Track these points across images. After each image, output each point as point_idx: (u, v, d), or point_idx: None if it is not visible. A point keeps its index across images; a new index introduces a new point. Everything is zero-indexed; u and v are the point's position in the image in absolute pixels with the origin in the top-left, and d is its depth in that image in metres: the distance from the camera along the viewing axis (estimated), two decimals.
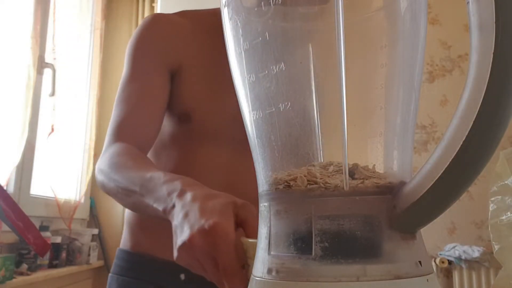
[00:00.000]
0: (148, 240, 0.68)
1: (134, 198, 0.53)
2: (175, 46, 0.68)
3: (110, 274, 0.72)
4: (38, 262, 1.47)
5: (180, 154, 0.67)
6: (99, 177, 0.61)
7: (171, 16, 0.71)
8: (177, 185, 0.47)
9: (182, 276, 0.65)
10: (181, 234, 0.42)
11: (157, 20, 0.69)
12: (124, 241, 0.72)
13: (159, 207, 0.48)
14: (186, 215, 0.43)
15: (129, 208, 0.61)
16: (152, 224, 0.68)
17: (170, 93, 0.67)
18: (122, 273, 0.69)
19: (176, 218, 0.44)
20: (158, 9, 1.98)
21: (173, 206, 0.46)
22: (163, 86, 0.66)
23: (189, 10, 0.74)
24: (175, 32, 0.68)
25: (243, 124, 0.70)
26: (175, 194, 0.46)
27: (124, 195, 0.55)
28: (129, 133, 0.62)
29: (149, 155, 0.67)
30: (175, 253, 0.43)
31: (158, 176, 0.50)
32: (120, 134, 0.62)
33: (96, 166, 0.64)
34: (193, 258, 0.41)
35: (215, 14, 0.72)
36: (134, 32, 0.69)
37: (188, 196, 0.45)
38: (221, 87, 0.67)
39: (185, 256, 0.42)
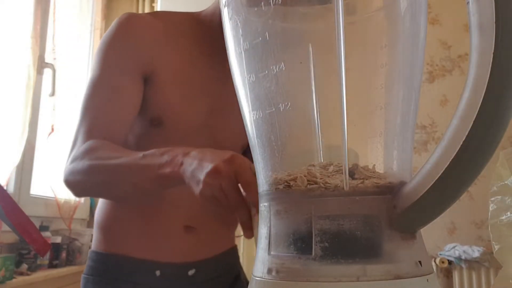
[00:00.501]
0: (120, 240, 0.69)
1: (129, 175, 0.54)
2: (148, 48, 0.66)
3: (83, 275, 0.72)
4: (38, 262, 1.47)
5: None
6: (75, 175, 0.60)
7: (145, 17, 0.69)
8: (177, 150, 0.50)
9: (157, 273, 0.67)
10: (203, 169, 0.46)
11: (131, 20, 0.66)
12: (96, 243, 0.73)
13: (165, 170, 0.50)
14: (201, 159, 0.47)
15: (119, 193, 0.60)
16: (124, 224, 0.70)
17: (146, 93, 0.65)
18: (97, 274, 0.70)
19: (190, 167, 0.47)
20: (158, 9, 1.98)
21: (182, 164, 0.49)
22: (134, 91, 0.64)
23: (163, 11, 0.73)
24: (148, 34, 0.66)
25: (213, 129, 0.71)
26: (179, 156, 0.49)
27: (114, 178, 0.56)
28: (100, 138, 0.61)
29: None
30: (200, 186, 0.46)
31: (151, 152, 0.53)
32: (91, 139, 0.61)
33: (67, 167, 0.62)
34: (218, 185, 0.45)
35: (192, 18, 0.72)
36: (107, 31, 0.67)
37: (194, 152, 0.49)
38: (193, 92, 0.67)
39: (211, 183, 0.45)
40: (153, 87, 0.65)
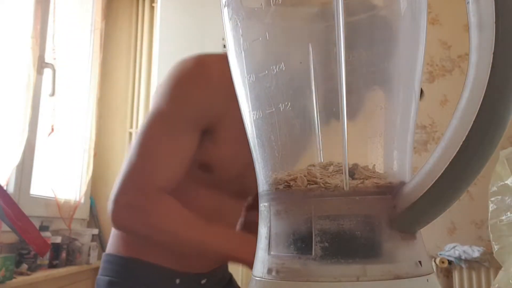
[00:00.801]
0: (144, 247, 0.73)
1: (201, 247, 0.64)
2: (219, 103, 0.64)
3: (101, 277, 0.74)
4: (38, 262, 1.47)
5: (193, 199, 0.72)
6: (137, 226, 0.63)
7: (222, 67, 0.64)
8: (239, 239, 0.65)
9: (177, 281, 0.75)
10: None
11: (209, 67, 0.63)
12: (117, 247, 0.74)
13: (236, 254, 0.64)
14: None
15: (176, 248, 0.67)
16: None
17: (201, 142, 0.68)
18: (118, 276, 0.72)
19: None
20: (158, 10, 1.98)
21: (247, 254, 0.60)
22: (195, 140, 0.65)
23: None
24: (222, 87, 0.63)
25: (246, 179, 0.75)
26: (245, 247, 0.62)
27: (184, 246, 0.65)
28: (163, 185, 0.64)
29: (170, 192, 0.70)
30: None
31: (221, 232, 0.66)
32: (156, 185, 0.63)
33: (123, 201, 0.62)
34: None
35: None
36: (182, 66, 0.64)
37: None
38: (242, 147, 0.69)
39: None
40: (211, 138, 0.66)
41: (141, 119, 2.07)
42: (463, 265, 1.70)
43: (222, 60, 0.66)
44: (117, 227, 0.65)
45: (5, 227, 1.21)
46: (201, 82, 0.62)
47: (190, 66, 0.64)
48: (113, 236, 0.77)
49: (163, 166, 0.63)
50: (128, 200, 0.62)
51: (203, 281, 0.79)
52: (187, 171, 0.66)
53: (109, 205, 0.64)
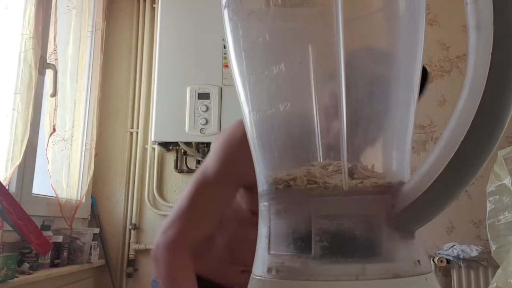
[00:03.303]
0: (207, 267, 0.85)
1: None
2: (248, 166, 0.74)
3: (156, 279, 0.86)
4: (40, 261, 1.47)
5: (238, 230, 0.82)
6: (161, 265, 0.75)
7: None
8: None
9: None
10: None
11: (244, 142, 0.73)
12: None
13: None
14: None
15: None
16: (211, 258, 0.87)
17: (245, 195, 0.76)
18: None
19: None
20: (159, 11, 1.98)
21: None
22: (233, 199, 0.75)
23: None
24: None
25: None
26: None
27: None
28: (192, 243, 0.75)
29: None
30: None
31: None
32: (185, 243, 0.74)
33: (163, 238, 0.74)
34: None
35: None
36: (235, 128, 0.72)
37: None
38: None
39: None
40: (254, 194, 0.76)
41: (141, 119, 2.07)
42: (461, 264, 1.70)
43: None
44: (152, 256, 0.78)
45: (7, 226, 1.21)
46: (243, 148, 0.71)
47: (237, 131, 0.72)
48: None
49: (203, 221, 0.74)
50: (164, 241, 0.74)
51: None
52: (246, 219, 0.77)
53: (158, 233, 0.76)
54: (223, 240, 0.86)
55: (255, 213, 0.77)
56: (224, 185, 0.71)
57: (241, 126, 0.71)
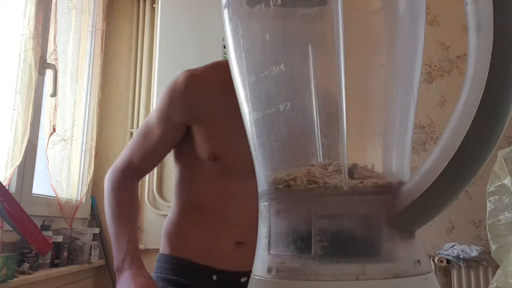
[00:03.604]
0: (185, 246, 0.84)
1: (111, 232, 0.81)
2: (200, 101, 0.81)
3: (154, 274, 0.87)
4: (40, 261, 1.47)
5: (213, 186, 0.82)
6: (107, 187, 0.85)
7: (203, 73, 0.85)
8: (126, 260, 0.75)
9: (214, 277, 0.80)
10: None
11: (189, 79, 0.83)
12: (163, 247, 0.88)
13: (115, 261, 0.77)
14: (121, 284, 0.74)
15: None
16: (189, 234, 0.84)
17: (198, 137, 0.82)
18: (165, 272, 0.83)
19: (118, 283, 0.75)
20: (159, 10, 1.98)
21: (119, 271, 0.76)
22: (177, 135, 0.83)
23: (215, 63, 0.89)
24: (202, 89, 0.82)
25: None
26: (125, 263, 0.76)
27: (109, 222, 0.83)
28: (138, 170, 0.86)
29: (186, 187, 0.86)
30: None
31: (125, 240, 0.78)
32: (130, 168, 0.85)
33: (111, 174, 0.86)
34: None
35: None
36: (171, 83, 0.84)
37: (128, 273, 0.74)
38: (238, 129, 0.79)
39: None
40: (206, 131, 0.81)
41: (141, 119, 2.07)
42: (461, 264, 1.70)
43: (201, 71, 0.86)
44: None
45: (7, 227, 1.21)
46: (174, 92, 0.83)
47: (173, 82, 0.84)
48: (162, 238, 0.89)
49: (136, 155, 0.85)
50: (111, 169, 0.87)
51: (243, 279, 0.80)
52: (202, 164, 0.82)
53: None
54: (201, 199, 0.83)
55: (216, 157, 0.78)
56: (164, 123, 0.82)
57: (183, 74, 0.82)
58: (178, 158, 0.88)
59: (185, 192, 0.86)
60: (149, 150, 0.84)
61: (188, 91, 0.81)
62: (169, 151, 0.87)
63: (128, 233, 0.78)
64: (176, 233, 0.85)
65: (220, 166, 0.80)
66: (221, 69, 0.85)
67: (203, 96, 0.81)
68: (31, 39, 1.53)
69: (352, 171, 0.31)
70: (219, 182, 0.81)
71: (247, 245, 0.80)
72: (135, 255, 0.76)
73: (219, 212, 0.82)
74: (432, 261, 1.75)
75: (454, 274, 1.73)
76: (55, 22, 1.73)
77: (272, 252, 0.31)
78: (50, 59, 1.70)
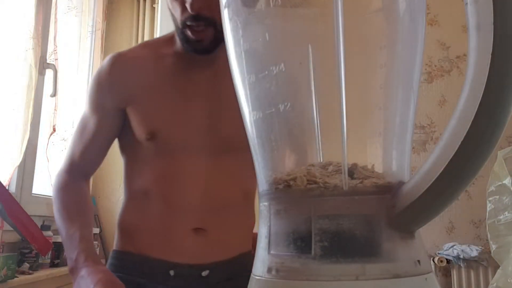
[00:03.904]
0: (136, 240, 0.76)
1: (61, 235, 0.74)
2: (129, 82, 0.76)
3: None
4: (40, 261, 1.47)
5: (155, 169, 0.75)
6: (53, 191, 0.80)
7: (129, 53, 0.80)
8: (80, 258, 0.67)
9: (172, 272, 0.72)
10: None
11: (113, 61, 0.78)
12: (116, 242, 0.80)
13: (68, 262, 0.69)
14: (78, 284, 0.65)
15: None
16: (139, 225, 0.76)
17: (133, 118, 0.76)
18: (117, 270, 0.75)
19: (74, 284, 0.67)
20: (159, 10, 1.98)
21: (73, 272, 0.68)
22: (113, 122, 0.78)
23: (152, 39, 0.84)
24: (130, 68, 0.77)
25: (216, 129, 0.73)
26: (79, 262, 0.67)
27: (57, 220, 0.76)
28: (81, 167, 0.81)
29: (131, 176, 0.79)
30: None
31: (76, 238, 0.70)
32: (74, 168, 0.81)
33: (56, 177, 0.81)
34: None
35: (173, 35, 0.79)
36: (96, 70, 0.81)
37: (83, 271, 0.65)
38: (179, 104, 0.75)
39: None
40: (140, 111, 0.76)
41: None
42: (461, 264, 1.70)
43: (130, 51, 0.81)
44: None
45: (7, 226, 1.21)
46: (101, 77, 0.79)
47: (98, 68, 0.80)
48: (115, 233, 0.82)
49: (76, 154, 0.80)
50: (57, 173, 0.82)
51: (204, 273, 0.72)
52: (142, 148, 0.76)
53: None
54: (145, 185, 0.74)
55: (152, 135, 0.73)
56: (97, 112, 0.78)
57: (107, 57, 0.79)
58: (122, 148, 0.81)
59: (130, 181, 0.78)
60: (87, 145, 0.78)
61: (113, 73, 0.77)
62: (110, 141, 0.80)
63: (79, 231, 0.70)
64: (126, 226, 0.78)
65: (159, 146, 0.74)
66: (151, 46, 0.81)
67: (130, 75, 0.76)
68: (31, 39, 1.53)
69: (352, 171, 0.31)
70: (160, 163, 0.74)
71: (207, 232, 0.72)
72: (90, 252, 0.68)
73: (166, 196, 0.73)
74: (432, 261, 1.75)
75: (454, 274, 1.73)
76: (55, 22, 1.73)
77: (272, 252, 0.31)
78: (50, 59, 1.70)
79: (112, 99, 0.77)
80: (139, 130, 0.75)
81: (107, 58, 0.79)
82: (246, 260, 0.77)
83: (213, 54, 0.72)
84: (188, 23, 0.68)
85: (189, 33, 0.69)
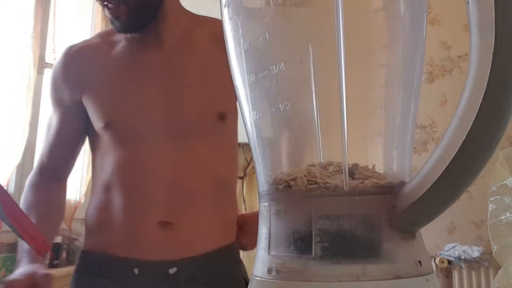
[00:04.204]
0: (101, 238, 0.72)
1: None
2: (81, 72, 0.76)
3: (72, 274, 0.76)
4: None
5: (115, 160, 0.72)
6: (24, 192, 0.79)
7: (82, 43, 0.80)
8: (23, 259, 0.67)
9: (136, 271, 0.68)
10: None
11: (65, 53, 0.78)
12: (83, 242, 0.78)
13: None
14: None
15: None
16: (103, 222, 0.73)
17: (89, 108, 0.74)
18: (80, 270, 0.74)
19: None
20: None
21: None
22: (75, 116, 0.76)
23: (107, 28, 0.82)
24: (81, 58, 0.77)
25: (172, 109, 0.74)
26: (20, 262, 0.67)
27: None
28: (50, 167, 0.79)
29: (95, 171, 0.77)
30: None
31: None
32: (44, 169, 0.79)
33: (28, 179, 0.79)
34: None
35: None
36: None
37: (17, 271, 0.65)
38: (133, 90, 0.74)
39: None
40: (94, 102, 0.75)
41: None
42: (462, 265, 1.70)
43: (84, 42, 0.80)
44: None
45: (6, 227, 1.21)
46: (54, 74, 0.79)
47: (55, 63, 0.80)
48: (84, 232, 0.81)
49: (44, 157, 0.79)
50: (29, 177, 0.81)
51: (172, 271, 0.67)
52: (102, 140, 0.74)
53: None
54: (107, 179, 0.72)
55: (108, 124, 0.71)
56: (57, 108, 0.77)
57: (60, 58, 0.78)
58: (90, 146, 0.79)
59: (94, 175, 0.76)
60: (53, 143, 0.77)
61: (66, 65, 0.77)
62: (76, 137, 0.78)
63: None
64: (90, 224, 0.75)
65: (116, 135, 0.72)
66: (105, 34, 0.80)
67: (82, 65, 0.75)
68: (30, 39, 1.53)
69: (353, 171, 0.30)
70: (120, 154, 0.71)
71: (175, 226, 0.67)
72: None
73: (128, 189, 0.69)
74: (433, 262, 1.75)
75: (456, 275, 1.73)
76: (54, 21, 1.73)
77: (272, 253, 0.30)
78: (49, 59, 1.70)
79: (68, 92, 0.76)
80: (95, 120, 0.74)
81: (61, 52, 0.79)
82: (225, 256, 0.72)
83: (157, 34, 0.71)
84: (103, 1, 0.68)
85: (106, 11, 0.69)
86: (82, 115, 0.75)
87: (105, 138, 0.73)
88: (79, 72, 0.76)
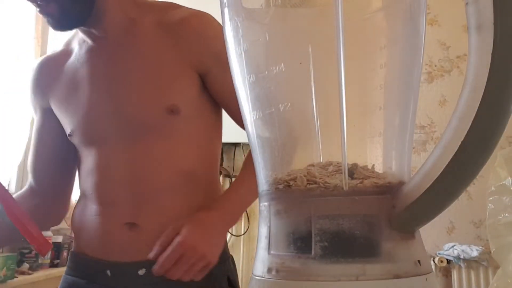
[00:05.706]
0: (83, 240, 0.75)
1: None
2: (47, 81, 0.78)
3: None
4: (40, 261, 1.47)
5: (85, 166, 0.75)
6: None
7: (55, 52, 0.82)
8: None
9: (108, 272, 0.70)
10: None
11: (38, 62, 0.81)
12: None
13: None
14: None
15: None
16: (78, 224, 0.76)
17: (58, 117, 0.77)
18: (67, 272, 0.78)
19: None
20: None
21: None
22: (50, 124, 0.78)
23: (70, 36, 0.84)
24: (47, 68, 0.79)
25: (122, 117, 0.72)
26: None
27: None
28: (35, 178, 0.81)
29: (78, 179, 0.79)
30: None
31: None
32: (30, 173, 0.81)
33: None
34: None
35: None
36: None
37: None
38: (84, 94, 0.74)
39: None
40: (57, 108, 0.77)
41: None
42: (461, 265, 1.70)
43: (53, 53, 0.83)
44: None
45: None
46: (32, 81, 0.81)
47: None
48: None
49: (31, 166, 0.81)
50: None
51: (141, 272, 0.67)
52: (75, 148, 0.77)
53: None
54: (81, 183, 0.75)
55: (71, 130, 0.73)
56: (36, 116, 0.80)
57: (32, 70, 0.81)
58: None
59: (78, 182, 0.79)
60: (35, 151, 0.79)
61: (36, 74, 0.79)
62: (57, 150, 0.78)
63: None
64: (73, 227, 0.77)
65: (80, 142, 0.74)
66: (67, 42, 0.82)
67: (45, 76, 0.78)
68: (32, 39, 1.53)
69: (352, 171, 0.31)
70: (87, 159, 0.73)
71: (140, 227, 0.67)
72: None
73: (96, 193, 0.71)
74: (432, 261, 1.75)
75: (455, 274, 1.73)
76: None
77: (272, 252, 0.31)
78: None
79: (40, 100, 0.78)
80: (64, 129, 0.76)
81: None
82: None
83: (104, 32, 0.70)
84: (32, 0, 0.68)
85: (38, 10, 0.70)
86: (56, 123, 0.78)
87: (76, 146, 0.76)
88: (44, 84, 0.78)
